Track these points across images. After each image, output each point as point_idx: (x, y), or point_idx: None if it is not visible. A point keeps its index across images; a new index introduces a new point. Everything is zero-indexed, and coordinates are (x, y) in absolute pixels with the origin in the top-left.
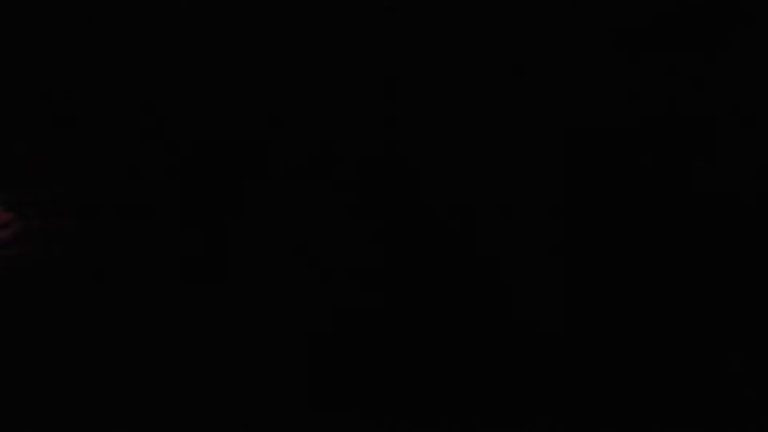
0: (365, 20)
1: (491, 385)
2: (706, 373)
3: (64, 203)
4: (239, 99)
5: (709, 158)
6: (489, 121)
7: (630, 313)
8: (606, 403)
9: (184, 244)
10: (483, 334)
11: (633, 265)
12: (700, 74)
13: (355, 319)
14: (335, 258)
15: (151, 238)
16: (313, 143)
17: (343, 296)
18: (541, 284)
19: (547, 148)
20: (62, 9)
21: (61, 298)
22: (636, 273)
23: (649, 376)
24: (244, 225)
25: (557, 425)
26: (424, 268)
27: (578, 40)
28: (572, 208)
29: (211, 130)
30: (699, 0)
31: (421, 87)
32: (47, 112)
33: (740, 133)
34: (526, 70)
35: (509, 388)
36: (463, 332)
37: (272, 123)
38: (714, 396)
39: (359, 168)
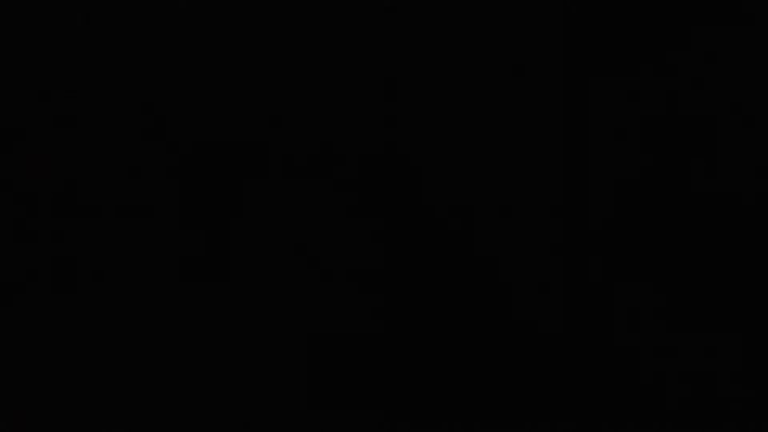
0: (365, 20)
1: (491, 385)
2: (705, 373)
3: (65, 203)
4: (239, 99)
5: (709, 158)
6: (489, 121)
7: (630, 313)
8: (606, 402)
9: (184, 244)
10: (483, 334)
11: (633, 265)
12: (700, 74)
13: (355, 319)
14: (335, 258)
15: (151, 238)
16: (313, 143)
17: (343, 296)
18: (541, 284)
19: (547, 147)
20: (62, 9)
21: (61, 298)
22: (636, 273)
23: (649, 376)
24: (244, 225)
25: (557, 425)
26: (424, 268)
27: (578, 40)
28: (572, 208)
29: (211, 130)
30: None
31: (421, 87)
32: (47, 112)
33: (740, 133)
34: (525, 70)
35: (509, 388)
36: (463, 332)
37: (272, 123)
38: (714, 396)
39: (359, 168)
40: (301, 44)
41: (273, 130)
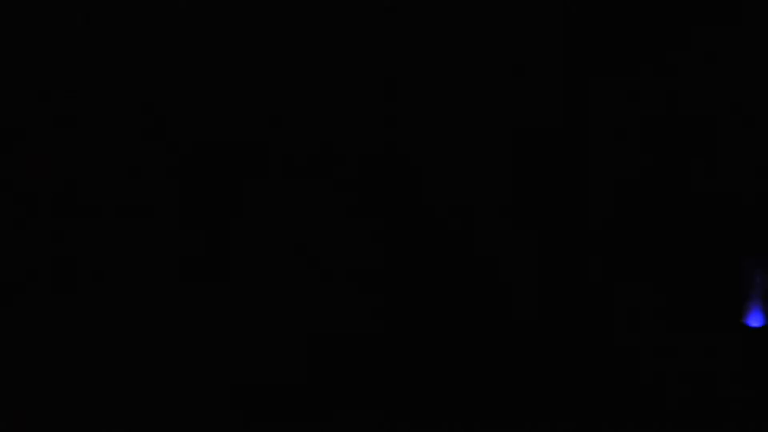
0: (365, 20)
1: (491, 385)
2: (705, 373)
3: (65, 203)
4: (239, 99)
5: (709, 158)
6: (489, 121)
7: (630, 313)
8: (606, 402)
9: (184, 244)
10: (483, 334)
11: (633, 265)
12: (700, 74)
13: (355, 319)
14: (335, 258)
15: (151, 238)
16: (313, 143)
17: (343, 296)
18: (541, 284)
19: (547, 147)
20: (62, 9)
21: (61, 298)
22: (636, 273)
23: (649, 376)
24: (244, 225)
25: (557, 425)
26: (424, 268)
27: (578, 40)
28: (572, 207)
29: (211, 130)
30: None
31: (421, 87)
32: (47, 112)
33: (740, 133)
34: (525, 70)
35: (509, 388)
36: (463, 332)
37: (272, 123)
38: (714, 396)
39: (359, 168)
40: (301, 44)
41: (273, 130)
